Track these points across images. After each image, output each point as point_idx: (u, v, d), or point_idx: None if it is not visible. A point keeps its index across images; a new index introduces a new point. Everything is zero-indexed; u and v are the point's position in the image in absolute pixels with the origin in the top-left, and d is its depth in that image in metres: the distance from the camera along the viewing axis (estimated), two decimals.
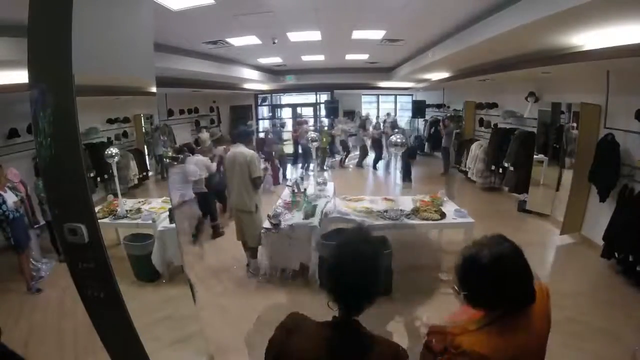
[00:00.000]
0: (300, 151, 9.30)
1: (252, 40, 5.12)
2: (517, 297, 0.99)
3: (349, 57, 7.49)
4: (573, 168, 4.69)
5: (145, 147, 5.95)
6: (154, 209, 3.80)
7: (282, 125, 10.78)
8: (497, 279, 0.97)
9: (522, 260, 0.99)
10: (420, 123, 11.49)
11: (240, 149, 3.64)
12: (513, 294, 0.98)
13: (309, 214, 3.63)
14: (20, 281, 3.71)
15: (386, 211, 3.74)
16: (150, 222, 3.58)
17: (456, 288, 1.08)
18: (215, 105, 11.10)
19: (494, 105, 7.35)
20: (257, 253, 3.83)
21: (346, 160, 10.00)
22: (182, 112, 9.39)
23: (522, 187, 5.85)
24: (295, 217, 3.71)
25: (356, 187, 7.60)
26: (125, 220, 3.58)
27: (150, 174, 5.72)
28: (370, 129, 9.95)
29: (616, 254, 3.66)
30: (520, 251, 1.00)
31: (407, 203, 4.00)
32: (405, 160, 7.43)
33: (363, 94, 12.63)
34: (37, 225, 4.36)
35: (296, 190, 4.23)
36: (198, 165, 4.78)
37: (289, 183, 4.85)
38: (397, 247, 3.53)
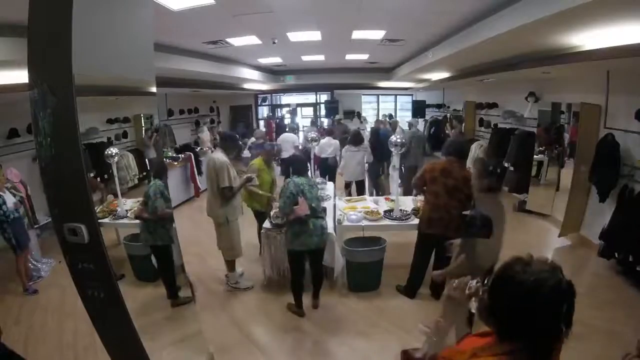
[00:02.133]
0: None
1: (252, 40, 5.11)
2: (546, 335, 0.88)
3: (349, 57, 7.48)
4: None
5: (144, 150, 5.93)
6: None
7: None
8: (546, 307, 0.87)
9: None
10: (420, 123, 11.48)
11: (216, 155, 3.48)
12: (545, 330, 0.88)
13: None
14: (20, 281, 3.71)
15: (391, 211, 3.75)
16: None
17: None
18: (215, 105, 11.11)
19: (494, 105, 7.35)
20: (234, 266, 3.68)
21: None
22: (182, 112, 9.39)
23: (522, 187, 5.86)
24: None
25: None
26: (125, 220, 3.58)
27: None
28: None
29: (616, 254, 3.66)
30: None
31: (407, 203, 4.01)
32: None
33: (363, 94, 12.63)
34: (37, 226, 4.36)
35: None
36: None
37: None
38: (394, 245, 3.57)
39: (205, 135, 8.89)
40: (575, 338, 1.04)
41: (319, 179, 4.89)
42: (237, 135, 4.49)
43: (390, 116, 10.92)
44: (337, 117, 10.94)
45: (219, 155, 3.43)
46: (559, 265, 0.91)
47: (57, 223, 1.39)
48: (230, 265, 3.68)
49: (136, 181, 5.23)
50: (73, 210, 1.36)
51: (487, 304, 0.96)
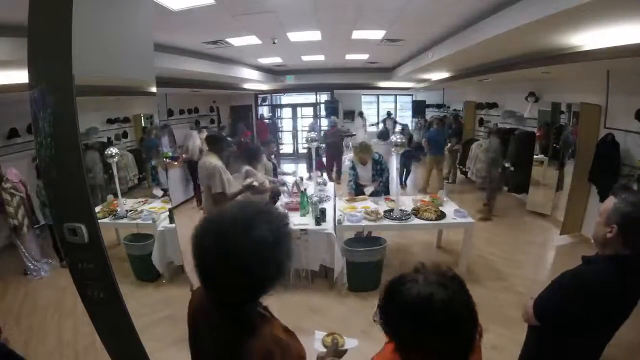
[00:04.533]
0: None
1: (252, 40, 5.11)
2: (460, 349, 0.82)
3: (349, 57, 7.48)
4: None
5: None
6: (154, 209, 3.80)
7: None
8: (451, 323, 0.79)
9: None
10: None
11: (207, 158, 3.40)
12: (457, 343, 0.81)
13: (320, 219, 3.58)
14: (20, 281, 3.70)
15: (391, 211, 3.75)
16: (150, 222, 3.58)
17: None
18: (215, 105, 11.10)
19: (494, 105, 7.35)
20: None
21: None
22: (182, 112, 9.38)
23: (522, 187, 5.85)
24: (301, 220, 3.67)
25: None
26: (125, 220, 3.58)
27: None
28: None
29: None
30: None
31: (407, 203, 4.00)
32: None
33: (363, 94, 12.62)
34: (37, 226, 4.36)
35: (295, 191, 4.23)
36: None
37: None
38: (394, 246, 3.55)
39: (204, 135, 8.92)
40: None
41: (320, 179, 4.88)
42: (225, 136, 4.42)
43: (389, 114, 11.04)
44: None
45: (210, 159, 3.33)
46: (450, 279, 0.84)
47: (57, 223, 1.39)
48: None
49: (136, 181, 5.21)
50: (73, 210, 1.36)
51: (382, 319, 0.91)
